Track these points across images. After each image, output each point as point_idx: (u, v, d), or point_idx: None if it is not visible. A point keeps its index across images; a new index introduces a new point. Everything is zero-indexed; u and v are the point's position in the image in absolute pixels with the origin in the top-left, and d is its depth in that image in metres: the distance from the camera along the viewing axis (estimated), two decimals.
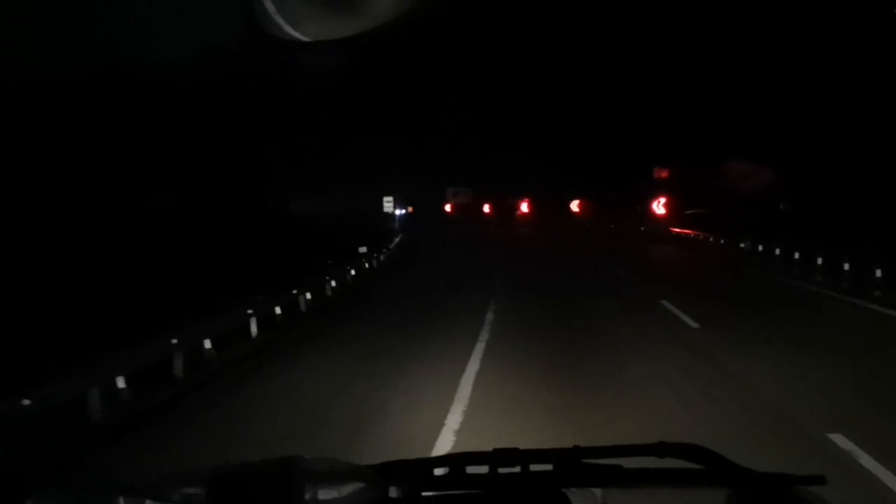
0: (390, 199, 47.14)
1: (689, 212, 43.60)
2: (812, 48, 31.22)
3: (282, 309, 13.37)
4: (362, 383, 8.28)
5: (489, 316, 12.74)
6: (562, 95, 57.61)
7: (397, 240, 35.19)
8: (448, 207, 70.47)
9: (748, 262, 22.35)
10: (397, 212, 67.85)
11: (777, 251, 21.41)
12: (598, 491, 1.51)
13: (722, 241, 27.63)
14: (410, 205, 65.62)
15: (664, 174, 44.89)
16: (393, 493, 1.41)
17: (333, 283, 17.57)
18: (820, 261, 17.86)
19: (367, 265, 22.18)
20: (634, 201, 45.97)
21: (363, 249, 21.83)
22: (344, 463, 1.33)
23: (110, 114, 22.91)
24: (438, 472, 1.54)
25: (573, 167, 57.43)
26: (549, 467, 1.51)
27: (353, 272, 20.20)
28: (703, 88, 40.37)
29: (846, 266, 16.35)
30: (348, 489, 1.24)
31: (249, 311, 11.56)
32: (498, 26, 48.72)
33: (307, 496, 1.18)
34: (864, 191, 28.31)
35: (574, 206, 61.31)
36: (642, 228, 39.72)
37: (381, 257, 26.23)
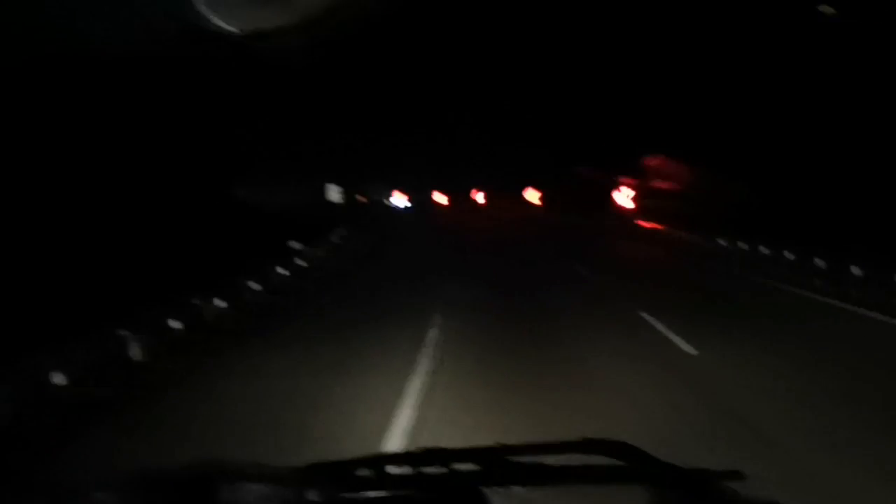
0: (336, 187, 44.35)
1: (648, 200, 42.03)
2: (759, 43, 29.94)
3: (159, 333, 10.49)
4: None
5: (431, 334, 10.11)
6: (524, 85, 56.19)
7: (345, 233, 32.58)
8: (400, 198, 68.52)
9: (733, 263, 19.80)
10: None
11: (766, 251, 18.99)
12: (521, 489, 1.49)
13: (697, 238, 25.17)
14: (364, 194, 62.88)
15: (655, 162, 42.27)
16: (312, 496, 1.37)
17: (255, 286, 14.93)
18: (823, 264, 15.56)
19: (299, 264, 19.45)
20: (597, 191, 44.08)
21: (296, 245, 19.11)
22: (263, 465, 1.32)
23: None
24: (360, 473, 1.50)
25: (533, 157, 55.91)
26: (473, 467, 1.49)
27: (282, 271, 17.55)
28: (665, 78, 39.11)
29: (855, 270, 14.03)
30: (267, 492, 1.23)
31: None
32: (454, 17, 47.21)
33: (224, 499, 1.16)
34: (830, 183, 26.96)
35: (534, 197, 59.53)
36: (606, 223, 37.76)
37: (321, 252, 23.63)
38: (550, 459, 1.48)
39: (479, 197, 66.20)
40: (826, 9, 23.85)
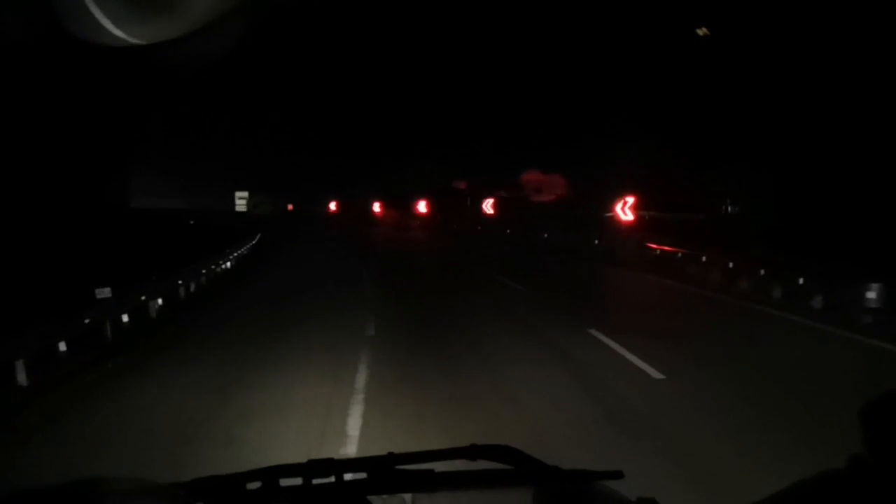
0: (244, 194, 38.45)
1: (648, 213, 34.90)
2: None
3: None
4: None
5: None
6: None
7: (245, 250, 26.37)
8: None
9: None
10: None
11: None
12: (407, 496, 1.50)
13: (738, 269, 16.52)
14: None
15: (531, 177, 42.25)
16: None
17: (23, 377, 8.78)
18: None
19: (112, 330, 12.80)
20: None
21: (105, 293, 11.60)
22: (150, 481, 1.20)
23: None
24: (251, 486, 1.45)
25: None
26: (362, 476, 1.49)
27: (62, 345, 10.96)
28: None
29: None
30: None
31: None
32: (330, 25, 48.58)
33: None
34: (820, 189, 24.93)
35: (423, 207, 54.71)
36: (596, 242, 29.50)
37: (196, 284, 17.27)
38: (438, 466, 1.47)
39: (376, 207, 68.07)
40: (701, 30, 28.38)
